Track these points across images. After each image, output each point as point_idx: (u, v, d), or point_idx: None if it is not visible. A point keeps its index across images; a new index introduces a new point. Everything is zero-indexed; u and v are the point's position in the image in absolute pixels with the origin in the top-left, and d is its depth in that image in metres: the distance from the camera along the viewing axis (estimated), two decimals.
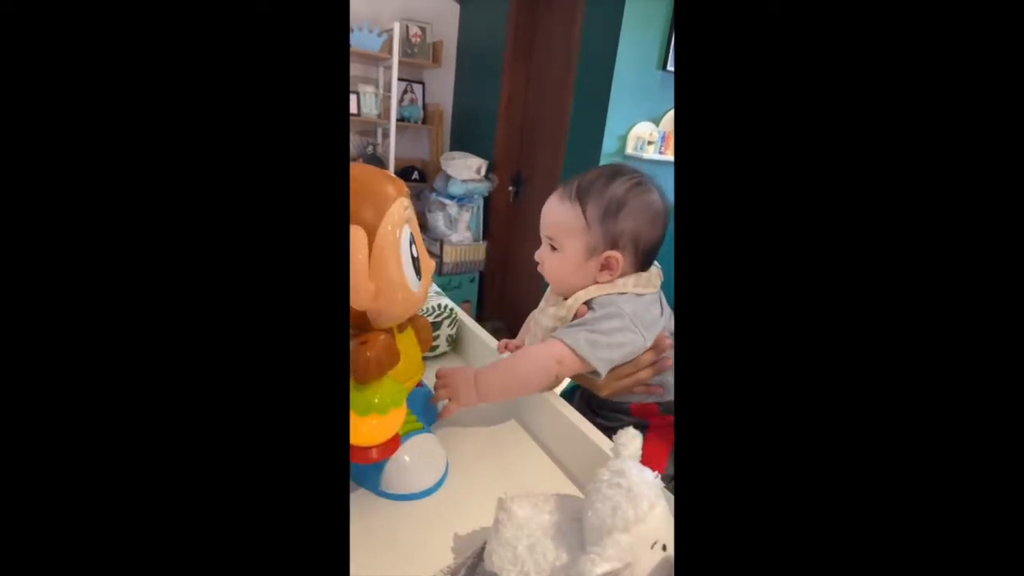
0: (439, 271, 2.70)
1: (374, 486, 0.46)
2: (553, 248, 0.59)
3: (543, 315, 0.61)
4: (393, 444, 0.45)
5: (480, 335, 0.70)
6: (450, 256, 2.71)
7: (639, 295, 0.57)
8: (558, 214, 0.58)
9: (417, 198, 2.93)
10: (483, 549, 0.36)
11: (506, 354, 0.65)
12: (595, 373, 0.54)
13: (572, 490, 0.49)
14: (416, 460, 0.47)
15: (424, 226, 2.84)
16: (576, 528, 0.34)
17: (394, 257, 0.42)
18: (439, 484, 0.48)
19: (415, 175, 2.94)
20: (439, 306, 0.72)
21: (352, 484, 0.47)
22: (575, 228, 0.57)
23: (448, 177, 2.65)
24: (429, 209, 2.75)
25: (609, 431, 0.62)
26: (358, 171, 0.42)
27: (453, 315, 0.73)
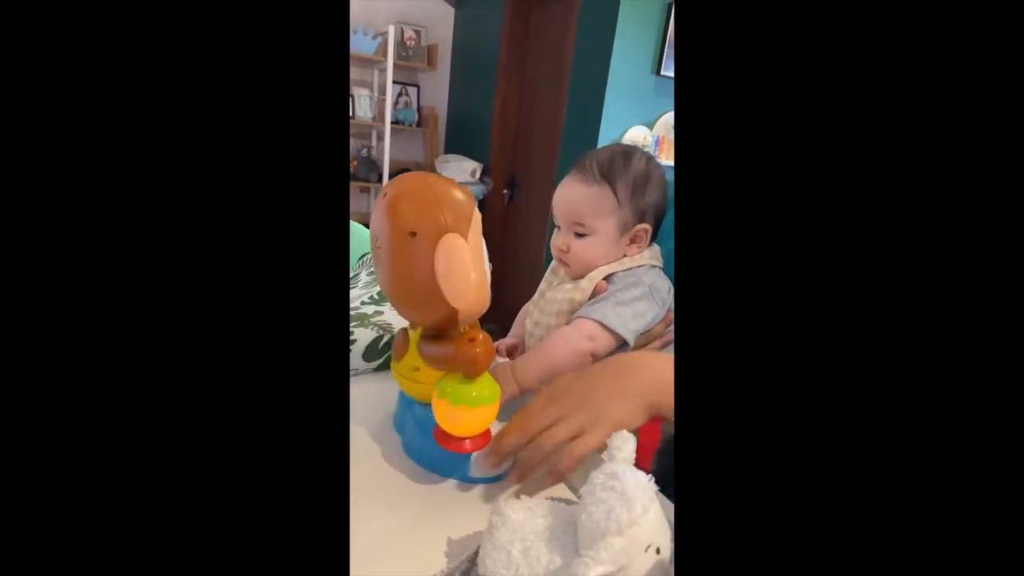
0: None
1: (463, 474, 0.49)
2: (580, 235, 0.59)
3: (554, 297, 0.61)
4: (486, 437, 0.47)
5: None
6: None
7: (654, 266, 0.59)
8: (585, 198, 0.58)
9: None
10: (476, 553, 0.36)
11: (502, 359, 0.65)
12: (623, 345, 0.54)
13: (566, 494, 0.49)
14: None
15: None
16: (570, 532, 0.34)
17: (479, 260, 0.44)
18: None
19: None
20: None
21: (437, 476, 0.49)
22: (607, 208, 0.57)
23: None
24: None
25: None
26: (436, 182, 0.44)
27: None
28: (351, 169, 2.80)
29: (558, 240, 0.61)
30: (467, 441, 0.45)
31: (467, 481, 0.49)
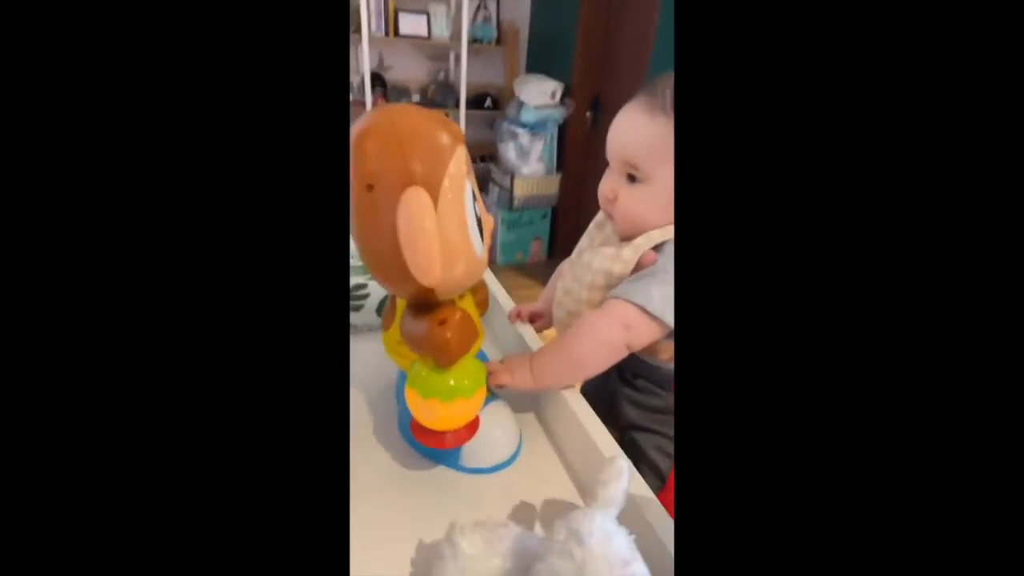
0: (509, 206, 2.61)
1: (454, 462, 0.43)
2: (632, 179, 0.45)
3: (590, 263, 0.49)
4: (473, 426, 0.41)
5: (500, 297, 0.62)
6: (521, 190, 2.59)
7: None
8: (646, 134, 0.44)
9: (490, 127, 2.80)
10: None
11: (520, 324, 0.56)
12: (671, 335, 0.43)
13: (575, 495, 0.42)
14: (502, 431, 0.44)
15: (495, 157, 2.72)
16: None
17: (459, 221, 0.34)
18: (516, 454, 0.45)
19: (488, 102, 2.79)
20: None
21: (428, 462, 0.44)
22: (672, 149, 0.42)
23: (521, 103, 2.48)
24: (501, 139, 2.62)
25: (639, 406, 0.53)
26: (406, 117, 0.34)
27: None
28: (428, 95, 2.70)
29: (605, 184, 0.48)
30: (448, 435, 0.38)
31: (458, 470, 0.43)
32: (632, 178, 0.45)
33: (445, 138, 0.35)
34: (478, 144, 2.84)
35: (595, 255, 0.49)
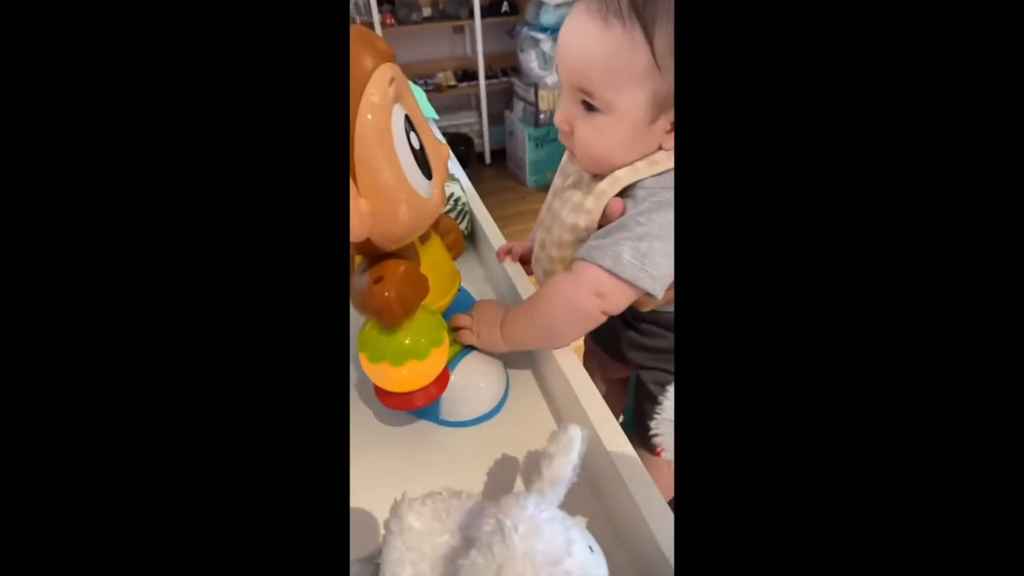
0: (535, 121, 2.46)
1: (435, 416, 0.42)
2: (590, 107, 0.37)
3: (559, 212, 0.43)
4: (442, 381, 0.38)
5: (491, 234, 0.58)
6: (547, 103, 2.43)
7: None
8: (598, 48, 0.34)
9: (510, 36, 2.59)
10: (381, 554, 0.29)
11: (510, 262, 0.52)
12: (648, 295, 0.37)
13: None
14: (487, 382, 0.42)
15: (518, 68, 2.54)
16: None
17: (386, 157, 0.30)
18: (500, 406, 0.43)
19: (504, 7, 2.56)
20: (448, 197, 0.60)
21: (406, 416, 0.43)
22: (634, 69, 0.34)
23: (540, 3, 2.26)
24: (521, 48, 2.43)
25: (644, 349, 0.50)
26: None
27: (465, 208, 0.61)
28: (440, 5, 2.50)
29: (559, 114, 0.40)
30: (417, 395, 0.36)
31: (439, 424, 0.42)
32: (589, 106, 0.37)
33: (364, 59, 0.29)
34: (498, 56, 2.65)
35: (564, 203, 0.42)
